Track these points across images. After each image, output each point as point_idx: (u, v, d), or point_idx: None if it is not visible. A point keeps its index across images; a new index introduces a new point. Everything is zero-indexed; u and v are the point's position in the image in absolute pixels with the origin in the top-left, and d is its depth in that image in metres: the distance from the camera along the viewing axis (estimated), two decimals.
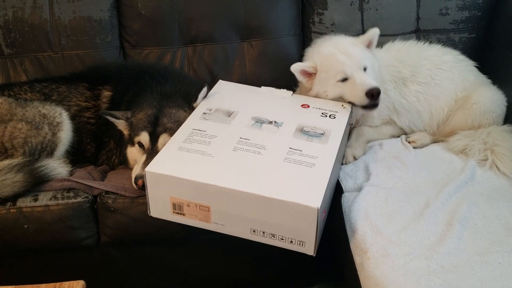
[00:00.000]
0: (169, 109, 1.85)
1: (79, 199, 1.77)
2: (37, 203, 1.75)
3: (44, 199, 1.76)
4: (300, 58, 2.42)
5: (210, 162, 1.54)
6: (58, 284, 0.97)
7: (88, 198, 1.79)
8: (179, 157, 1.56)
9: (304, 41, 2.42)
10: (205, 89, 1.89)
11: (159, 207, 1.58)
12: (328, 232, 1.81)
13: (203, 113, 1.78)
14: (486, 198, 1.66)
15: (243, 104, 1.85)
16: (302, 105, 1.86)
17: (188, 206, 1.51)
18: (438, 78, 2.08)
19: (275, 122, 1.74)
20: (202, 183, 1.46)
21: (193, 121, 1.74)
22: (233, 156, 1.56)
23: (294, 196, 1.40)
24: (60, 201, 1.76)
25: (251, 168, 1.51)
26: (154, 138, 1.79)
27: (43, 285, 0.97)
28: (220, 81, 2.04)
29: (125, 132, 1.90)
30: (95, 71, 2.16)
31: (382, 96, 1.84)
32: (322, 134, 1.68)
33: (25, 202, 1.75)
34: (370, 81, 1.82)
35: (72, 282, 0.98)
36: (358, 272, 1.44)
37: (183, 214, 1.54)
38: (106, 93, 2.06)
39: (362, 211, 1.58)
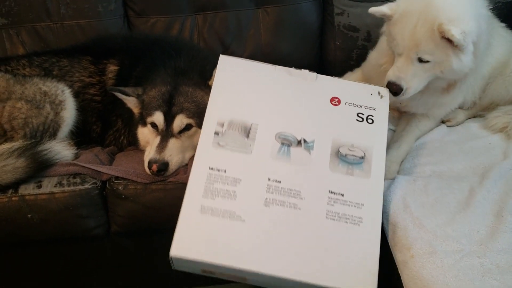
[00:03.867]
0: (185, 87, 1.69)
1: (86, 186, 1.63)
2: (41, 191, 1.61)
3: (49, 185, 1.62)
4: (319, 27, 2.25)
5: (242, 230, 1.27)
6: None
7: (96, 184, 1.64)
8: (205, 227, 1.28)
9: (325, 7, 2.22)
10: None
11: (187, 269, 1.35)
12: None
13: (215, 133, 1.41)
14: None
15: (260, 106, 1.47)
16: (331, 100, 1.49)
17: (222, 274, 1.31)
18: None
19: (304, 141, 1.42)
20: (237, 268, 1.24)
21: (206, 150, 1.39)
22: (266, 217, 1.29)
23: (344, 281, 1.22)
24: (66, 188, 1.62)
25: (290, 238, 1.27)
26: (169, 119, 1.63)
27: None
28: (222, 57, 1.56)
29: (136, 110, 1.74)
30: (99, 43, 1.99)
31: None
32: (362, 158, 1.40)
33: (27, 190, 1.61)
34: (394, 73, 1.52)
35: None
36: (400, 272, 1.29)
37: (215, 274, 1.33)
38: (112, 68, 1.89)
39: (400, 202, 1.43)
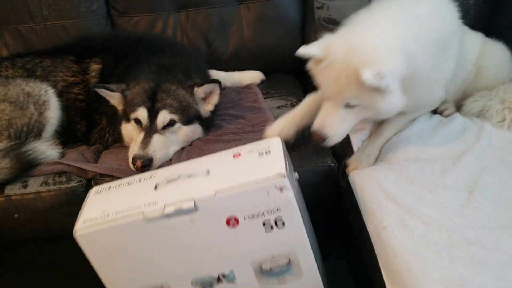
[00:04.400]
0: (168, 84, 1.71)
1: (72, 184, 1.64)
2: (27, 190, 1.62)
3: (34, 185, 1.63)
4: (301, 21, 2.28)
5: None
6: None
7: (82, 182, 1.65)
8: None
9: (305, 1, 2.25)
10: (217, 88, 1.75)
11: None
12: (339, 208, 1.71)
13: None
14: (507, 165, 1.54)
15: (158, 263, 1.31)
16: (228, 223, 1.24)
17: None
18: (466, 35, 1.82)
19: (223, 276, 1.30)
20: None
21: None
22: None
23: None
24: (52, 187, 1.63)
25: None
26: (152, 115, 1.65)
27: None
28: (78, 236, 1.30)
29: (119, 107, 1.75)
30: (81, 43, 2.00)
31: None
32: (289, 263, 1.28)
33: (13, 190, 1.62)
34: (318, 121, 1.47)
35: None
36: (373, 243, 1.34)
37: None
38: (95, 66, 1.91)
39: (374, 180, 1.48)
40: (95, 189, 1.43)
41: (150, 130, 1.65)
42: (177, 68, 1.79)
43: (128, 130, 1.72)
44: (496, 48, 1.90)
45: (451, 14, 1.63)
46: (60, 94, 1.85)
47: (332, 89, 1.43)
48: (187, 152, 1.69)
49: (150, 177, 1.38)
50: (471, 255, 1.20)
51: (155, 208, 1.23)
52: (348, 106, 1.43)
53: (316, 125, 1.47)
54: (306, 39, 2.27)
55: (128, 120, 1.71)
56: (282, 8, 2.24)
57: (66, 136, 1.87)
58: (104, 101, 1.81)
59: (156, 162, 1.61)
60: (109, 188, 1.40)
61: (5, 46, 2.17)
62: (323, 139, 1.46)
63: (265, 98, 2.06)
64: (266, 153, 1.30)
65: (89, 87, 1.87)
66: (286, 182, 1.19)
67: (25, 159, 1.64)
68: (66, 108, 1.86)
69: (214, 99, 1.79)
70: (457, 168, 1.51)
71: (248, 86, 2.16)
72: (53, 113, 1.81)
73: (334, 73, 1.39)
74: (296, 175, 1.41)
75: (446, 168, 1.51)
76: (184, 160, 1.62)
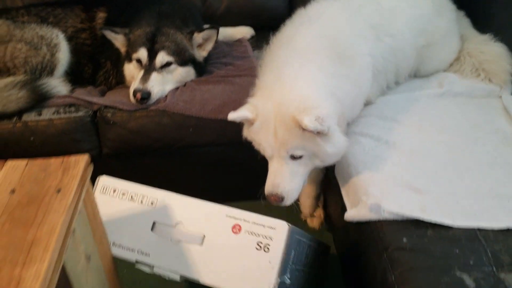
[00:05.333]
0: (167, 28, 1.93)
1: (80, 114, 1.88)
2: (41, 117, 1.86)
3: (48, 113, 1.87)
4: None
5: None
6: (66, 157, 1.09)
7: (88, 113, 1.89)
8: None
9: None
10: (215, 34, 1.96)
11: None
12: None
13: None
14: (461, 104, 1.77)
15: None
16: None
17: None
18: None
19: None
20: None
21: None
22: None
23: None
24: (63, 115, 1.86)
25: None
26: (152, 55, 1.88)
27: (53, 158, 1.09)
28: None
29: (123, 49, 1.98)
30: None
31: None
32: None
33: (30, 117, 1.85)
34: (270, 183, 1.43)
35: (78, 155, 1.09)
36: (335, 168, 1.58)
37: None
38: (101, 15, 2.12)
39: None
40: (102, 182, 1.51)
41: (149, 68, 1.87)
42: (175, 16, 2.00)
43: (130, 69, 1.95)
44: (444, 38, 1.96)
45: (347, 36, 1.64)
46: (69, 39, 2.08)
47: (273, 146, 1.41)
48: (181, 91, 1.92)
49: (152, 203, 1.43)
50: (410, 161, 1.45)
51: (146, 262, 1.36)
52: (294, 158, 1.41)
53: (268, 187, 1.43)
54: None
55: (130, 60, 1.94)
56: None
57: (75, 77, 2.10)
58: (109, 46, 2.03)
59: (153, 96, 1.85)
60: (114, 191, 1.48)
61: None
62: (281, 199, 1.41)
63: (253, 50, 2.28)
64: (265, 248, 1.26)
65: (96, 33, 2.09)
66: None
67: (40, 91, 1.88)
68: (75, 52, 2.08)
69: (209, 45, 2.01)
70: (409, 103, 1.75)
71: (239, 40, 2.38)
72: (63, 54, 2.03)
73: (271, 129, 1.39)
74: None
75: (398, 104, 1.76)
76: (178, 97, 1.85)
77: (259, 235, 1.26)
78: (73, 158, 1.10)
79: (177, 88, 1.94)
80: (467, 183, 1.38)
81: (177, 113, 1.85)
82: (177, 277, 1.32)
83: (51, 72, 2.00)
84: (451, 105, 1.76)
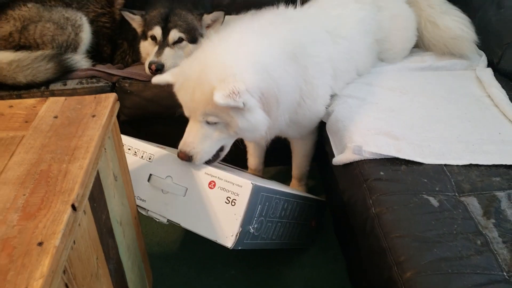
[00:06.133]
0: (179, 10, 2.17)
1: (101, 84, 2.12)
2: (66, 87, 2.09)
3: (72, 84, 2.11)
4: None
5: None
6: (98, 95, 1.32)
7: (108, 83, 2.13)
8: None
9: None
10: (222, 16, 2.20)
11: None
12: None
13: None
14: (440, 75, 2.00)
15: None
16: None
17: None
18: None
19: None
20: None
21: None
22: None
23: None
24: (85, 85, 2.10)
25: None
26: (165, 32, 2.11)
27: (87, 95, 1.31)
28: None
29: (139, 29, 2.22)
30: None
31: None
32: None
33: (56, 86, 2.09)
34: (183, 140, 1.52)
35: (106, 94, 1.32)
36: (326, 124, 1.80)
37: None
38: (120, 1, 2.37)
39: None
40: None
41: (163, 44, 2.11)
42: (187, 0, 2.25)
43: (146, 46, 2.19)
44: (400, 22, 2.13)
45: (303, 27, 1.73)
46: (91, 22, 2.32)
47: (189, 107, 1.46)
48: None
49: (149, 159, 1.61)
50: (390, 116, 1.68)
51: (142, 206, 1.57)
52: (209, 123, 1.45)
53: (181, 144, 1.49)
54: None
55: (145, 38, 2.18)
56: None
57: (95, 56, 2.34)
58: (125, 28, 2.27)
59: (166, 68, 2.08)
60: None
61: None
62: (189, 157, 1.47)
63: None
64: (232, 202, 1.41)
65: (115, 17, 2.34)
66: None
67: (65, 64, 2.12)
68: (96, 33, 2.33)
69: (217, 26, 2.24)
70: (394, 74, 2.00)
71: None
72: (86, 35, 2.27)
73: (190, 90, 1.43)
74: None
75: (385, 75, 1.99)
76: None
77: (228, 191, 1.41)
78: (103, 95, 1.32)
79: None
80: (438, 132, 1.60)
81: None
82: (164, 220, 1.53)
83: (74, 50, 2.24)
84: (430, 76, 1.98)
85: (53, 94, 2.07)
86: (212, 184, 1.45)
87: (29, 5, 2.24)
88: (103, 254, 1.15)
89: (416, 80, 1.93)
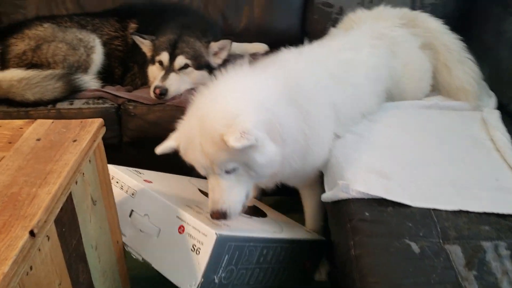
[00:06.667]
0: (188, 37, 2.21)
1: (106, 105, 2.16)
2: (73, 106, 2.14)
3: (78, 103, 2.15)
4: (302, 5, 2.73)
5: None
6: (84, 120, 1.34)
7: (113, 105, 2.17)
8: None
9: None
10: (229, 44, 2.25)
11: None
12: None
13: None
14: (444, 114, 1.95)
15: None
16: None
17: None
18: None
19: None
20: None
21: None
22: None
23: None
24: (91, 106, 2.15)
25: None
26: (172, 58, 2.15)
27: (73, 120, 1.34)
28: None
29: (149, 53, 2.26)
30: (124, 8, 2.54)
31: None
32: None
33: (63, 105, 2.14)
34: (213, 199, 1.43)
35: (93, 119, 1.34)
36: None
37: None
38: (133, 25, 2.43)
39: None
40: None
41: (169, 69, 2.15)
42: (196, 28, 2.29)
43: (153, 71, 2.23)
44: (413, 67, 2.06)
45: (305, 69, 1.66)
46: (104, 44, 2.38)
47: (203, 164, 1.40)
48: (194, 91, 2.17)
49: (132, 194, 1.60)
50: (385, 153, 1.65)
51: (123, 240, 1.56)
52: (228, 172, 1.39)
53: (210, 204, 1.42)
54: (305, 19, 2.73)
55: (153, 62, 2.22)
56: None
57: (106, 77, 2.39)
58: (137, 52, 2.32)
59: (170, 92, 2.11)
60: (112, 178, 1.61)
61: (65, 10, 2.72)
62: (224, 215, 1.40)
63: None
64: (197, 250, 1.38)
65: (127, 40, 2.40)
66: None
67: (73, 84, 2.17)
68: (108, 56, 2.39)
69: (224, 54, 2.28)
70: (397, 111, 1.95)
71: (254, 54, 2.64)
72: (98, 56, 2.34)
73: (197, 147, 1.38)
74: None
75: (388, 112, 1.95)
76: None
77: (195, 238, 1.39)
78: (89, 120, 1.35)
79: (192, 89, 2.20)
80: (430, 173, 1.55)
81: None
82: (140, 258, 1.52)
83: (85, 70, 2.30)
84: (435, 114, 1.94)
85: (60, 112, 2.12)
86: (181, 229, 1.43)
87: (45, 25, 2.32)
88: (69, 279, 1.15)
89: (419, 118, 1.89)
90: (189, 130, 1.43)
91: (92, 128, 1.31)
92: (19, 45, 2.24)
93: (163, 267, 1.45)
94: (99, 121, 1.34)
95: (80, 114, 2.13)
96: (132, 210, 1.58)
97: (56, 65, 2.24)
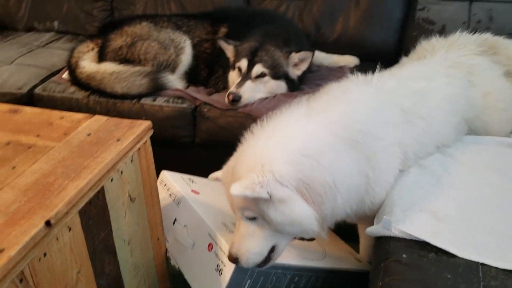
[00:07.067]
0: (269, 46, 2.22)
1: (184, 105, 2.25)
2: (155, 103, 2.27)
3: (160, 101, 2.27)
4: (402, 20, 2.59)
5: None
6: (135, 120, 1.41)
7: (191, 106, 2.25)
8: None
9: (410, 3, 2.58)
10: (310, 56, 2.21)
11: None
12: None
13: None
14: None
15: None
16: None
17: None
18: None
19: None
20: None
21: None
22: None
23: None
24: (171, 104, 2.25)
25: None
26: (250, 66, 2.18)
27: (126, 119, 1.41)
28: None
29: (231, 58, 2.31)
30: (219, 12, 2.62)
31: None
32: None
33: (146, 101, 2.28)
34: (234, 244, 1.37)
35: (142, 121, 1.41)
36: None
37: None
38: (223, 30, 2.50)
39: None
40: (161, 176, 1.83)
41: (246, 77, 2.17)
42: (280, 36, 2.29)
43: (232, 76, 2.28)
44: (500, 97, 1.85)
45: (371, 107, 1.53)
46: (194, 46, 2.48)
47: (229, 203, 1.39)
48: (268, 100, 2.18)
49: (178, 204, 1.68)
50: (447, 193, 1.50)
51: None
52: (249, 219, 1.34)
53: (230, 244, 1.38)
54: (403, 36, 2.59)
55: (234, 68, 2.26)
56: (387, 7, 2.60)
57: (192, 78, 2.50)
58: (223, 56, 2.39)
59: (243, 100, 2.14)
60: (165, 185, 1.79)
61: (169, 10, 2.89)
62: (235, 259, 1.34)
63: None
64: (220, 271, 1.42)
65: (216, 44, 2.47)
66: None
67: (158, 82, 2.30)
68: (196, 57, 2.48)
69: (304, 65, 2.25)
70: (475, 146, 1.76)
71: (341, 67, 2.56)
72: (186, 57, 2.44)
73: (228, 186, 1.32)
74: None
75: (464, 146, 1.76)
76: (264, 105, 2.11)
77: (220, 259, 1.40)
78: (139, 121, 1.41)
79: (266, 98, 2.21)
80: (492, 222, 1.38)
81: (259, 118, 2.09)
82: (176, 266, 1.57)
83: (173, 70, 2.42)
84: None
85: (142, 107, 2.26)
86: (210, 247, 1.46)
87: (143, 23, 2.48)
88: (91, 268, 1.23)
89: (498, 158, 1.69)
90: (230, 167, 1.43)
91: (138, 129, 1.37)
92: (117, 40, 2.43)
93: (192, 280, 1.50)
94: (146, 123, 1.40)
95: (160, 111, 2.25)
96: (176, 219, 1.65)
97: (146, 62, 2.38)
